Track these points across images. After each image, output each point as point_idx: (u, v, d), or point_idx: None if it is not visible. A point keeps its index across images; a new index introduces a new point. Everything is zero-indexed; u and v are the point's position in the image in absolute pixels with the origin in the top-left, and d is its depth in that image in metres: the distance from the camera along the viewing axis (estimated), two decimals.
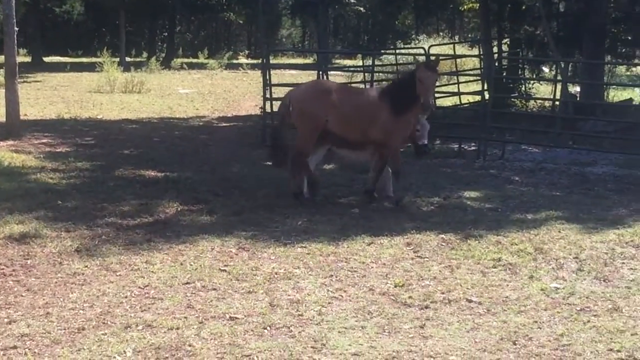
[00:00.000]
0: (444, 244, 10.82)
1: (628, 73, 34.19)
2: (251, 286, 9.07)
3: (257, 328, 7.85)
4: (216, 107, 27.56)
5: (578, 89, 24.83)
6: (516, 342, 7.56)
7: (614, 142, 18.58)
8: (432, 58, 12.88)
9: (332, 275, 9.51)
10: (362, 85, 23.37)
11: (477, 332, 7.81)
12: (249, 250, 10.48)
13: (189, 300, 8.62)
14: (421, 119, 12.92)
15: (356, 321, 8.07)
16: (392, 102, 12.60)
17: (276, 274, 9.53)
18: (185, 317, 8.09)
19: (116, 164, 16.21)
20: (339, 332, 7.77)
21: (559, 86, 21.49)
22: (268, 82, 20.04)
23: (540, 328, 7.94)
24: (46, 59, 49.35)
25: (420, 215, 12.47)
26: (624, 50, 27.12)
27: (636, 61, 27.65)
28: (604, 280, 9.43)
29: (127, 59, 45.61)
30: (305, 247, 10.61)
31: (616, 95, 26.89)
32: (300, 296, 8.76)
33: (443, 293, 8.92)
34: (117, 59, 40.49)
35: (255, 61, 46.92)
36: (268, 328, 7.86)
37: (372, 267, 9.86)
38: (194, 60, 49.29)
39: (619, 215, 12.44)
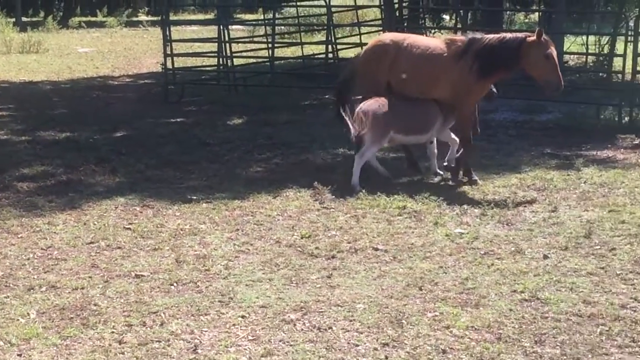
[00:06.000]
0: (349, 194, 10.84)
1: (526, 20, 34.53)
2: (156, 243, 9.00)
3: (164, 285, 7.79)
4: (117, 66, 27.12)
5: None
6: (422, 288, 7.63)
7: (514, 88, 18.78)
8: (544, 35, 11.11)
9: (238, 230, 9.47)
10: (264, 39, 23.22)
11: (383, 280, 7.86)
12: (154, 207, 10.38)
13: (93, 259, 8.51)
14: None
15: (263, 274, 8.06)
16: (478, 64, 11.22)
17: (182, 230, 9.46)
18: (90, 277, 7.99)
19: (16, 126, 15.89)
20: (246, 285, 7.75)
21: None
22: (168, 38, 19.78)
23: (446, 273, 8.03)
24: None
25: (326, 166, 12.49)
26: None
27: (534, 8, 27.91)
28: (506, 224, 9.57)
29: (24, 18, 44.55)
30: (210, 202, 10.55)
31: None
32: (207, 251, 8.72)
33: (349, 242, 8.95)
34: (13, 19, 39.52)
35: (155, 18, 46.17)
36: (175, 284, 7.81)
37: (278, 220, 9.85)
38: (93, 19, 48.28)
39: (520, 160, 12.61)
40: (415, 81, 11.49)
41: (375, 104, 11.24)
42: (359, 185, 11.05)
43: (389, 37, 12.36)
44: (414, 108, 11.41)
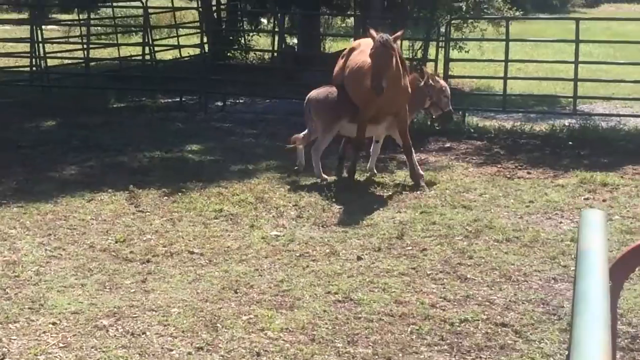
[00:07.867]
0: (165, 197, 10.76)
1: (343, 25, 35.06)
2: None
3: None
4: None
5: (296, 40, 25.23)
6: (237, 291, 7.64)
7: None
8: (398, 33, 11.31)
9: (50, 234, 9.26)
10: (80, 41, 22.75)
11: (199, 283, 7.83)
12: None
13: None
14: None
15: (76, 279, 7.90)
16: None
17: None
18: None
19: None
20: (57, 291, 7.58)
21: (277, 38, 21.75)
22: None
23: (262, 275, 8.06)
24: None
25: (142, 169, 12.35)
26: (339, 1, 27.74)
27: (350, 12, 28.35)
28: (322, 226, 9.67)
29: None
30: (21, 206, 10.27)
31: (332, 46, 27.52)
32: (17, 257, 8.48)
33: (165, 246, 8.88)
34: None
35: None
36: None
37: (92, 224, 9.68)
38: None
39: (333, 161, 12.76)
40: (350, 85, 11.56)
41: (325, 92, 11.53)
42: (323, 175, 11.58)
43: (357, 42, 12.44)
44: None
